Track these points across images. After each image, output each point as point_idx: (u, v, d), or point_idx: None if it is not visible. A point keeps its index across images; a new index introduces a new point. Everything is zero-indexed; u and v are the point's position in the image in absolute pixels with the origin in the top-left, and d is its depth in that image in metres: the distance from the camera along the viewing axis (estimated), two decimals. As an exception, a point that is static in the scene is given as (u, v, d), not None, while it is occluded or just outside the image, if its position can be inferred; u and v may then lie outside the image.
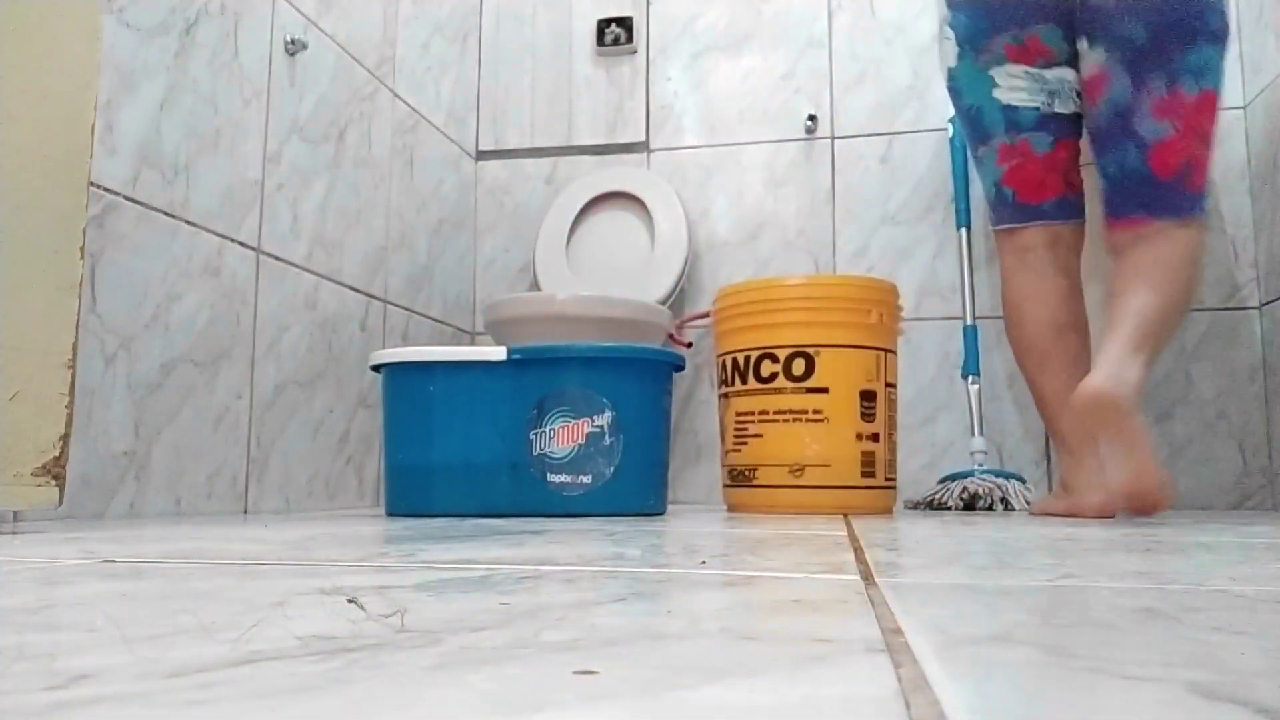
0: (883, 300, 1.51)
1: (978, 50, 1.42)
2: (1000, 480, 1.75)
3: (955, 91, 1.48)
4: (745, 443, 1.51)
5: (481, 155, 2.36)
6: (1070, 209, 1.47)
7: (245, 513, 1.40)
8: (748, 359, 1.52)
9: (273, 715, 0.23)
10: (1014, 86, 1.42)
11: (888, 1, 2.20)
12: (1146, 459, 1.23)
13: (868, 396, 1.48)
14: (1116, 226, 1.40)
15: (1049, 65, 1.42)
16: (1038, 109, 1.43)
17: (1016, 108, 1.42)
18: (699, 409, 2.19)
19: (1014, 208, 1.45)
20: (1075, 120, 1.46)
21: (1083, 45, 1.40)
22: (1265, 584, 0.51)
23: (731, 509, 1.57)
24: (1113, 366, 1.25)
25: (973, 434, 1.91)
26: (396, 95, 1.93)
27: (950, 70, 1.46)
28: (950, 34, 1.44)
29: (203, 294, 1.33)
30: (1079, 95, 1.44)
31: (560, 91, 2.34)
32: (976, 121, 1.45)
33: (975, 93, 1.44)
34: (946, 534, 0.95)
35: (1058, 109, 1.43)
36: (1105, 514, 1.34)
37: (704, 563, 0.62)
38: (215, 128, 1.37)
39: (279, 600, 0.42)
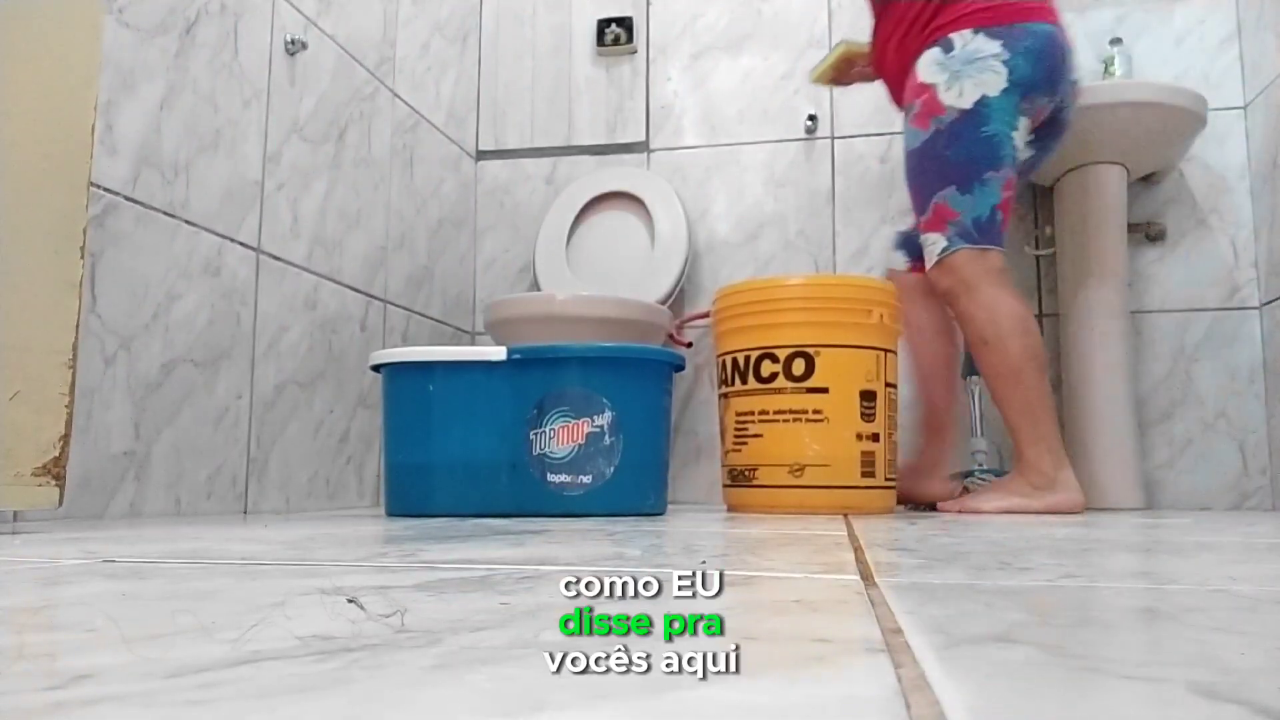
0: (883, 300, 1.51)
1: (1024, 97, 1.55)
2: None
3: (982, 116, 1.55)
4: (745, 443, 1.51)
5: (481, 155, 2.35)
6: None
7: (245, 513, 1.40)
8: (748, 359, 1.52)
9: (273, 715, 0.23)
10: (1024, 134, 1.58)
11: (888, 1, 2.20)
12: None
13: (868, 396, 1.48)
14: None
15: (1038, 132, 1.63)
16: (1023, 160, 1.61)
17: (1019, 150, 1.58)
18: (699, 409, 2.18)
19: (998, 233, 1.57)
20: None
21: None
22: (1265, 584, 0.51)
23: (731, 509, 1.57)
24: (1074, 479, 1.53)
25: (973, 434, 1.91)
26: (396, 95, 1.93)
27: (986, 97, 1.54)
28: (1003, 70, 1.54)
29: (203, 294, 1.33)
30: None
31: (560, 91, 2.34)
32: (995, 149, 1.55)
33: (1002, 124, 1.55)
34: (946, 534, 0.95)
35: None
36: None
37: (704, 563, 0.62)
38: (215, 128, 1.37)
39: (279, 600, 0.42)
